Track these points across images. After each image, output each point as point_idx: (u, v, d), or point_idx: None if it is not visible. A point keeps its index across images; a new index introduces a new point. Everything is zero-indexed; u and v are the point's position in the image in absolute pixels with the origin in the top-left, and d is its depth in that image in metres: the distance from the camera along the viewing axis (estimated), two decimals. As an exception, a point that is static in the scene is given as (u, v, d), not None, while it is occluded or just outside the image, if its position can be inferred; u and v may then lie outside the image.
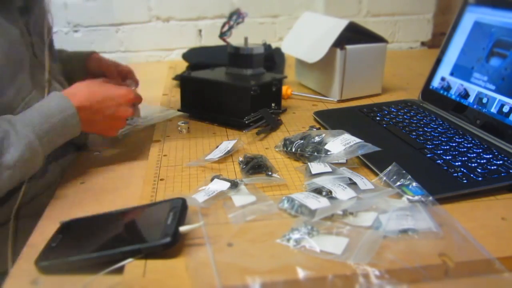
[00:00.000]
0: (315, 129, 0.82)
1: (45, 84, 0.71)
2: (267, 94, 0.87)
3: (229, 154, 0.73)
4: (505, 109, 0.74)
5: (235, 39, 0.91)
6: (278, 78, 0.89)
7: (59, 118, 0.63)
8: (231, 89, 0.85)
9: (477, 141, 0.72)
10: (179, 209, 0.52)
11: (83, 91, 0.67)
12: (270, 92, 0.88)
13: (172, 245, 0.47)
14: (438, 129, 0.78)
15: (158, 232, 0.49)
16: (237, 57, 0.90)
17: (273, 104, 0.89)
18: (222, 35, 0.91)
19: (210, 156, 0.72)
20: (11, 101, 0.65)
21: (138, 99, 0.76)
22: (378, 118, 0.85)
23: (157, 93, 1.12)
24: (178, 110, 0.93)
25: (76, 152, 0.80)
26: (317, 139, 0.71)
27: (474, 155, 0.68)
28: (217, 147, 0.75)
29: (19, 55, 0.68)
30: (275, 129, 0.84)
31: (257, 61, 0.90)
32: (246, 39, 0.91)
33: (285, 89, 1.02)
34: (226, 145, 0.74)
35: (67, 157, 0.76)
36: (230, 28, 0.90)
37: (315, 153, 0.68)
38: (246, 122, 0.82)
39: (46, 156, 0.64)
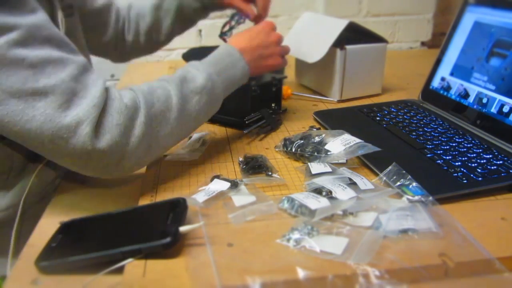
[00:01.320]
0: (315, 129, 0.82)
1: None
2: (267, 94, 0.87)
3: (205, 146, 0.76)
4: (505, 109, 0.74)
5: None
6: (278, 78, 0.89)
7: (229, 60, 0.70)
8: None
9: (477, 141, 0.72)
10: (179, 209, 0.52)
11: (242, 38, 0.75)
12: (270, 92, 0.88)
13: (172, 245, 0.47)
14: (438, 129, 0.78)
15: (158, 232, 0.49)
16: None
17: (273, 104, 0.89)
18: (222, 35, 0.91)
19: (187, 147, 0.76)
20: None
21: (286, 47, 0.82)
22: (378, 118, 0.85)
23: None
24: None
25: None
26: (317, 139, 0.71)
27: (474, 155, 0.68)
28: (190, 137, 0.78)
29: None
30: (275, 129, 0.84)
31: None
32: None
33: (285, 89, 1.02)
34: (199, 136, 0.79)
35: None
36: (231, 28, 0.90)
37: (315, 153, 0.68)
38: (246, 122, 0.82)
39: (225, 95, 0.70)
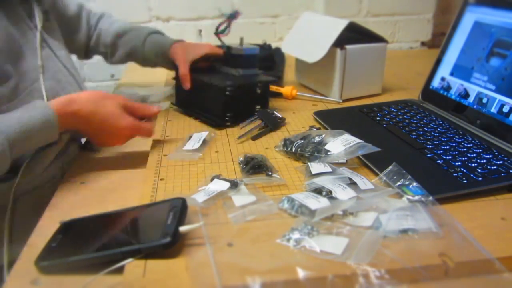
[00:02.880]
0: (315, 129, 0.82)
1: (40, 71, 0.72)
2: (251, 95, 0.88)
3: (205, 147, 0.76)
4: (505, 109, 0.74)
5: (237, 39, 0.91)
6: (263, 80, 0.89)
7: (39, 129, 0.61)
8: (208, 88, 0.87)
9: (477, 141, 0.72)
10: (179, 209, 0.52)
11: (86, 105, 0.66)
12: (254, 93, 0.89)
13: (172, 245, 0.47)
14: (438, 129, 0.78)
15: (158, 232, 0.49)
16: (229, 56, 0.91)
17: (257, 106, 0.90)
18: (218, 32, 0.92)
19: (187, 146, 0.75)
20: (13, 90, 0.67)
21: (143, 133, 0.74)
22: (378, 118, 0.85)
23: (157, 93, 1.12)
24: (172, 104, 0.97)
25: (78, 148, 0.81)
26: (317, 139, 0.71)
27: (474, 155, 0.68)
28: (190, 137, 0.78)
29: (20, 45, 0.70)
30: (274, 129, 0.84)
31: (248, 62, 0.91)
32: (241, 39, 0.91)
33: (290, 90, 1.02)
34: (199, 136, 0.78)
35: (68, 153, 0.77)
36: (227, 27, 0.91)
37: (315, 153, 0.68)
38: (227, 119, 0.85)
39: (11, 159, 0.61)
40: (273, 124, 0.84)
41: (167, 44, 0.96)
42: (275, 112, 0.88)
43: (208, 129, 0.85)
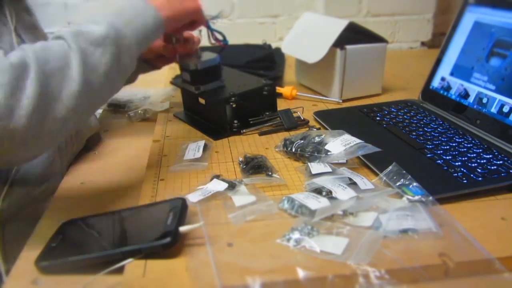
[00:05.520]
0: (315, 129, 0.82)
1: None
2: (258, 100, 0.85)
3: (208, 152, 0.74)
4: (505, 109, 0.74)
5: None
6: (268, 83, 0.85)
7: (133, 10, 0.62)
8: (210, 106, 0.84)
9: (477, 141, 0.72)
10: (179, 209, 0.52)
11: None
12: (261, 97, 0.85)
13: (172, 245, 0.47)
14: (438, 129, 0.78)
15: (158, 232, 0.49)
16: (183, 72, 0.85)
17: (266, 113, 0.86)
18: (212, 18, 0.86)
19: (188, 156, 0.72)
20: None
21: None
22: (378, 118, 0.85)
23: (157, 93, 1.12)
24: (174, 116, 0.92)
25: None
26: (317, 139, 0.71)
27: (474, 155, 0.68)
28: (187, 147, 0.75)
29: None
30: (289, 130, 0.83)
31: (208, 75, 0.83)
32: (198, 51, 0.85)
33: (290, 90, 1.02)
34: (196, 144, 0.75)
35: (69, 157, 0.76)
36: (219, 14, 0.86)
37: (315, 153, 0.68)
38: (251, 122, 0.82)
39: (141, 49, 0.62)
40: (289, 124, 0.83)
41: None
42: (298, 112, 0.87)
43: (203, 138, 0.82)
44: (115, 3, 0.62)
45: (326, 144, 0.69)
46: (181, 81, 0.88)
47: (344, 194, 0.57)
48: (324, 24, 1.02)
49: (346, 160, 0.68)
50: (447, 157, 0.67)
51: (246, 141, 0.79)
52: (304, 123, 0.85)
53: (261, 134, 0.80)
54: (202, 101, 0.85)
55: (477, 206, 0.58)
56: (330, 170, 0.64)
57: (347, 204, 0.55)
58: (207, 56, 0.84)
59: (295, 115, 0.86)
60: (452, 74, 0.87)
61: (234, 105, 0.80)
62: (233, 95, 0.80)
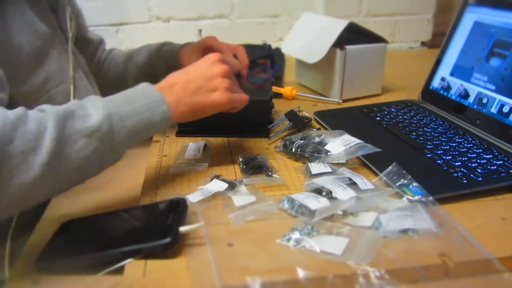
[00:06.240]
0: (315, 129, 0.82)
1: (70, 78, 0.72)
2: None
3: (208, 152, 0.73)
4: (505, 109, 0.74)
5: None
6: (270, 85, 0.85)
7: (144, 102, 0.56)
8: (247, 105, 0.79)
9: (477, 141, 0.72)
10: (179, 209, 0.52)
11: (175, 74, 0.62)
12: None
13: (172, 245, 0.47)
14: (438, 129, 0.78)
15: (158, 232, 0.49)
16: None
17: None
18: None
19: (188, 156, 0.72)
20: (36, 91, 0.66)
21: (232, 69, 0.67)
22: (378, 118, 0.85)
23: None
24: (177, 135, 0.83)
25: None
26: (317, 139, 0.71)
27: (474, 155, 0.68)
28: (187, 148, 0.74)
29: (46, 47, 0.69)
30: (302, 129, 0.82)
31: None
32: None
33: (290, 90, 1.02)
34: (195, 145, 0.74)
35: None
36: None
37: (315, 154, 0.68)
38: (268, 127, 0.82)
39: (129, 145, 0.56)
40: (301, 124, 0.83)
41: (175, 50, 0.91)
42: (303, 111, 0.88)
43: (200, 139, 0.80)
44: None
45: (326, 144, 0.69)
46: None
47: (344, 194, 0.57)
48: (324, 24, 1.02)
49: (346, 160, 0.68)
50: (447, 157, 0.67)
51: (246, 141, 0.79)
52: (309, 120, 0.86)
53: (284, 138, 0.76)
54: None
55: (477, 206, 0.58)
56: (330, 170, 0.64)
57: (347, 204, 0.55)
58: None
59: (300, 114, 0.86)
60: (452, 74, 0.87)
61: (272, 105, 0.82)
62: (271, 94, 0.81)
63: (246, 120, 0.80)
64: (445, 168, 0.64)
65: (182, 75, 0.62)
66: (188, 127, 0.82)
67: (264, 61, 0.91)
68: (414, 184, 0.59)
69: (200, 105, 0.61)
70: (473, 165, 0.65)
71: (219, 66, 0.63)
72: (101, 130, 0.51)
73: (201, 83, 0.61)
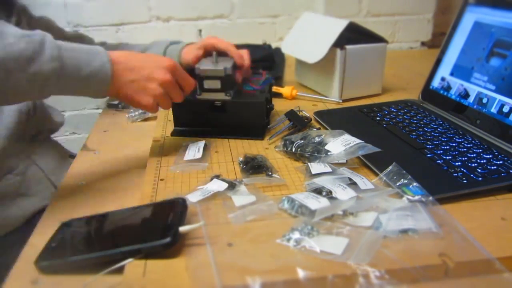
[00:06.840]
0: (315, 129, 0.82)
1: None
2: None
3: (208, 152, 0.73)
4: (505, 109, 0.74)
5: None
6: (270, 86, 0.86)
7: (88, 47, 0.57)
8: (242, 107, 0.80)
9: (477, 141, 0.72)
10: (179, 209, 0.52)
11: (123, 52, 0.62)
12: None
13: (172, 245, 0.47)
14: (438, 129, 0.78)
15: (158, 232, 0.49)
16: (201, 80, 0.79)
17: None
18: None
19: (187, 157, 0.71)
20: None
21: (180, 70, 0.67)
22: (378, 118, 0.85)
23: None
24: (172, 135, 0.82)
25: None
26: (317, 139, 0.71)
27: (474, 155, 0.68)
28: (187, 147, 0.74)
29: None
30: (302, 129, 0.82)
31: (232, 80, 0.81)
32: (215, 55, 0.81)
33: (290, 90, 1.02)
34: (196, 145, 0.74)
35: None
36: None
37: (315, 153, 0.68)
38: (268, 127, 0.83)
39: (54, 77, 0.54)
40: (301, 123, 0.83)
41: (177, 49, 0.90)
42: (303, 111, 0.88)
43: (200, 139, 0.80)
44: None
45: (326, 144, 0.69)
46: (191, 96, 0.80)
47: (344, 194, 0.57)
48: (324, 24, 1.02)
49: (346, 160, 0.68)
50: (447, 157, 0.67)
51: (246, 141, 0.79)
52: (309, 120, 0.86)
53: (284, 138, 0.76)
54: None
55: (477, 206, 0.58)
56: (330, 170, 0.64)
57: (347, 204, 0.55)
58: (225, 60, 0.82)
59: (300, 114, 0.87)
60: (452, 74, 0.87)
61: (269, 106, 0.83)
62: (267, 97, 0.82)
63: (242, 122, 0.80)
64: (445, 168, 0.64)
65: (135, 60, 0.62)
66: (183, 128, 0.83)
67: (263, 72, 0.91)
68: (414, 184, 0.59)
69: (128, 96, 0.62)
70: (473, 165, 0.65)
71: (163, 74, 0.63)
72: (32, 37, 0.52)
73: (139, 77, 0.62)
